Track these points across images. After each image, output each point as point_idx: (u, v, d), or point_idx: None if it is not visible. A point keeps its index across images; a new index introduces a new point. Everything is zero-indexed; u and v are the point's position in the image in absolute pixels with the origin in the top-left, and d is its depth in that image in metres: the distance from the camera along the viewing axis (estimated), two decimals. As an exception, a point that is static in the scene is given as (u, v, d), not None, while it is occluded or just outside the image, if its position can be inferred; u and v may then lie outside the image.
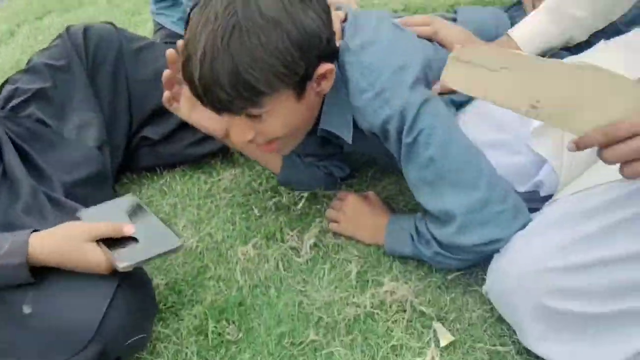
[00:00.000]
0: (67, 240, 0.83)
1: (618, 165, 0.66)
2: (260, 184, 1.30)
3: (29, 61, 1.22)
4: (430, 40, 1.02)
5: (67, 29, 1.22)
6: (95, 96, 1.20)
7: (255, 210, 1.22)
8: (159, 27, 1.60)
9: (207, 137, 1.27)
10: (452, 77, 0.77)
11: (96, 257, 0.83)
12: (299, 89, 0.86)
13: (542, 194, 0.90)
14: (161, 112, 1.21)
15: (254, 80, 0.79)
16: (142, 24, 2.24)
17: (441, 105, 0.89)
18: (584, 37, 1.01)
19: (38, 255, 0.82)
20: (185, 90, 1.01)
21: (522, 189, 0.90)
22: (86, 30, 1.20)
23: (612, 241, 0.72)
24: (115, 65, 1.21)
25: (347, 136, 0.95)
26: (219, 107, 0.84)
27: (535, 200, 0.89)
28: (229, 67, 0.78)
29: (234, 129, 0.90)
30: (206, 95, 0.82)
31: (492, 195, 0.85)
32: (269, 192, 1.27)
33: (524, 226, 0.84)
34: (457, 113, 1.01)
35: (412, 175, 0.90)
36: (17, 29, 2.45)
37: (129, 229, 0.88)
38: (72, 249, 0.83)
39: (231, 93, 0.80)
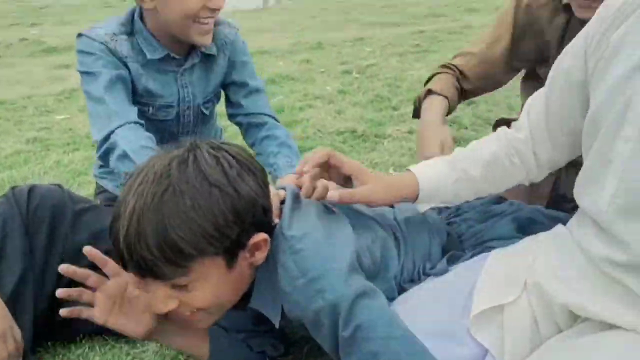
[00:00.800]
0: None
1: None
2: (188, 356, 1.23)
3: None
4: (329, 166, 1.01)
5: (13, 188, 1.24)
6: (30, 253, 1.18)
7: (179, 387, 1.15)
8: (101, 190, 1.61)
9: None
10: None
11: None
12: (230, 256, 0.84)
13: None
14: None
15: (181, 241, 0.77)
16: (86, 185, 2.26)
17: (379, 296, 0.87)
18: (470, 197, 1.09)
19: None
20: (101, 293, 0.98)
21: None
22: (30, 189, 1.22)
23: None
24: (53, 225, 1.21)
25: (275, 320, 0.93)
26: (143, 268, 0.81)
27: None
28: (156, 225, 0.77)
29: (156, 298, 0.86)
30: (131, 255, 0.79)
31: None
32: (196, 366, 1.20)
33: None
34: (397, 299, 1.00)
35: None
36: (-46, 181, 2.41)
37: None
38: None
39: (156, 254, 0.78)
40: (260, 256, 0.89)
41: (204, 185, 0.79)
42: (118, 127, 1.32)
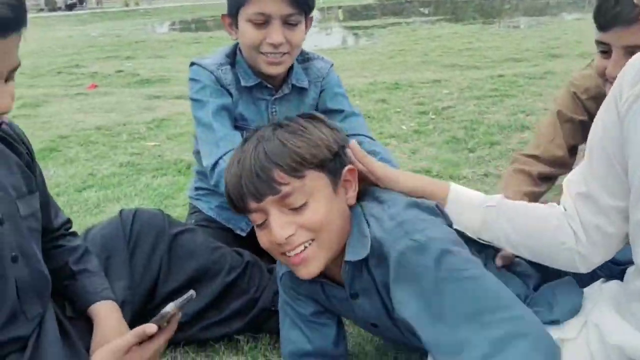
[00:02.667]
0: None
1: None
2: (261, 374, 1.29)
3: (87, 231, 1.41)
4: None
5: (121, 211, 1.41)
6: (130, 274, 1.33)
7: (254, 404, 1.20)
8: (195, 211, 1.73)
9: (232, 316, 1.38)
10: None
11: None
12: (333, 177, 0.99)
13: None
14: (186, 290, 1.29)
15: (297, 149, 0.95)
16: (172, 208, 2.42)
17: (476, 264, 0.93)
18: (499, 237, 1.04)
19: None
20: None
21: None
22: (135, 213, 1.39)
23: None
24: (153, 246, 1.36)
25: (365, 252, 0.97)
26: (263, 189, 0.94)
27: None
28: (276, 144, 0.95)
29: (275, 225, 0.95)
30: (254, 178, 0.94)
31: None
32: (270, 386, 1.26)
33: None
34: None
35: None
36: (56, 198, 2.63)
37: (151, 329, 0.98)
38: None
39: (280, 163, 0.94)
40: (351, 194, 1.03)
41: (306, 122, 1.01)
42: (225, 154, 1.44)
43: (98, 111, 4.59)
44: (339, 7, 19.05)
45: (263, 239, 1.01)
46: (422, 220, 0.95)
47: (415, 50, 7.47)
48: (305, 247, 0.98)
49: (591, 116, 1.42)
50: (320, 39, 10.57)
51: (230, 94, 1.53)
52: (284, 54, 1.47)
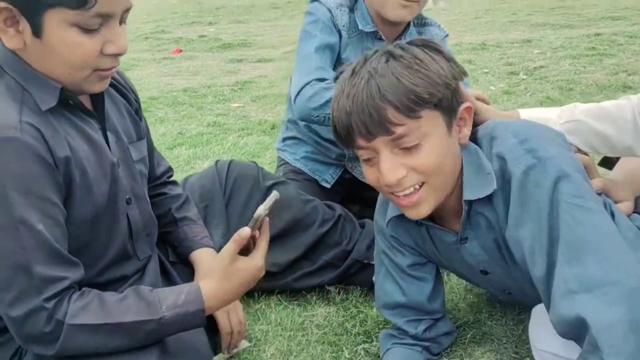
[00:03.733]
0: (227, 275, 0.97)
1: None
2: (354, 325, 1.30)
3: (185, 180, 1.46)
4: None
5: (217, 162, 1.46)
6: (227, 222, 1.37)
7: (346, 352, 1.22)
8: (282, 163, 1.75)
9: (324, 267, 1.39)
10: None
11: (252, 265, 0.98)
12: (448, 117, 0.93)
13: None
14: (279, 240, 1.31)
15: (414, 86, 0.88)
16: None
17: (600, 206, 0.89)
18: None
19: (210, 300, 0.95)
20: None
21: None
22: (230, 164, 1.43)
23: None
24: (248, 196, 1.39)
25: (490, 188, 0.94)
26: (375, 129, 0.89)
27: None
28: (390, 79, 0.88)
29: (385, 167, 0.91)
30: (362, 119, 0.88)
31: None
32: (361, 336, 1.27)
33: None
34: None
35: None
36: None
37: (245, 232, 0.98)
38: (235, 279, 0.97)
39: (394, 102, 0.87)
40: (465, 132, 0.97)
41: (422, 52, 0.92)
42: (319, 80, 1.43)
43: (184, 74, 4.72)
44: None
45: (370, 176, 0.97)
46: (547, 139, 0.92)
47: (502, 10, 7.10)
48: (415, 190, 0.94)
49: None
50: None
51: (341, 36, 1.54)
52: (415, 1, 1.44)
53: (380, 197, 1.15)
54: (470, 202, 0.97)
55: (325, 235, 1.40)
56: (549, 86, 3.30)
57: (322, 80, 1.43)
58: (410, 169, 0.92)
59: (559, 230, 0.85)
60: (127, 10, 0.92)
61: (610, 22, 5.53)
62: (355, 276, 1.43)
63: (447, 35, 1.65)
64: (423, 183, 0.94)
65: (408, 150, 0.91)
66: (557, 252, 0.85)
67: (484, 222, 0.99)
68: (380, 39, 1.55)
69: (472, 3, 8.30)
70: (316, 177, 1.68)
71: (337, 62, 1.55)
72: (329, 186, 1.67)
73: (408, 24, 1.57)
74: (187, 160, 2.61)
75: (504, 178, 0.93)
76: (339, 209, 1.47)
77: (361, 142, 0.92)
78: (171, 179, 1.34)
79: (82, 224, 0.97)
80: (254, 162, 1.47)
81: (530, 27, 5.66)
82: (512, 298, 1.17)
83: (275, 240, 1.37)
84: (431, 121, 0.91)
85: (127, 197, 1.06)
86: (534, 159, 0.89)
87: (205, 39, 6.81)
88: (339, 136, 0.95)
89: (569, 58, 3.99)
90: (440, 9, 8.25)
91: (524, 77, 3.60)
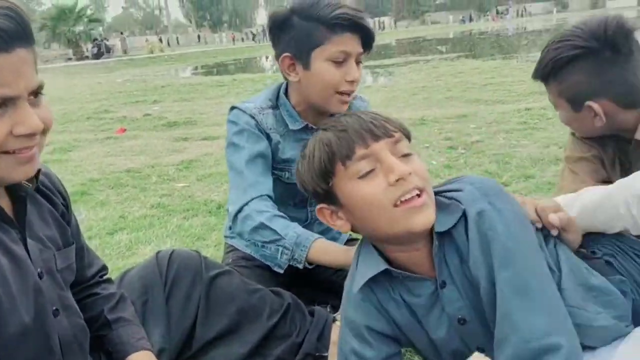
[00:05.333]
0: None
1: None
2: None
3: (124, 274, 1.40)
4: None
5: (157, 253, 1.40)
6: (167, 318, 1.29)
7: None
8: (231, 249, 1.70)
9: None
10: None
11: None
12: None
13: None
14: (227, 337, 1.26)
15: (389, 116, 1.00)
16: (204, 249, 2.39)
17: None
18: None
19: None
20: None
21: None
22: (172, 254, 1.37)
23: None
24: (190, 288, 1.33)
25: (457, 215, 0.97)
26: (379, 132, 0.96)
27: None
28: (367, 114, 1.00)
29: (396, 161, 0.94)
30: (365, 127, 0.96)
31: None
32: None
33: None
34: None
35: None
36: (88, 241, 2.63)
37: None
38: None
39: (387, 116, 0.99)
40: None
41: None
42: (251, 200, 1.42)
43: (127, 154, 4.65)
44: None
45: (369, 187, 0.95)
46: (499, 190, 0.98)
47: (437, 87, 7.48)
48: (419, 195, 0.94)
49: (600, 151, 1.39)
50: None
51: (270, 138, 1.52)
52: (352, 92, 1.47)
53: (345, 294, 1.11)
54: (440, 236, 0.98)
55: (274, 327, 1.35)
56: (487, 160, 3.44)
57: (258, 197, 1.43)
58: (412, 170, 0.95)
59: (509, 276, 0.90)
60: (35, 90, 0.87)
61: (538, 96, 5.89)
62: (307, 369, 1.36)
63: (368, 104, 1.72)
64: (422, 190, 0.95)
65: (404, 157, 0.96)
66: (508, 297, 0.90)
67: (456, 259, 0.99)
68: (312, 128, 1.54)
69: (410, 80, 8.73)
70: (268, 263, 1.62)
71: (275, 162, 1.55)
72: (282, 271, 1.61)
73: None
74: (129, 245, 2.52)
75: (462, 218, 0.97)
76: (287, 296, 1.43)
77: (362, 150, 0.95)
78: (105, 277, 1.27)
79: (9, 342, 0.89)
80: (197, 252, 1.42)
81: (465, 102, 5.96)
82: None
83: (222, 337, 1.32)
84: (408, 144, 1.00)
85: (55, 308, 0.99)
86: (489, 205, 0.94)
87: (149, 117, 6.80)
88: (328, 160, 0.97)
89: (503, 132, 4.20)
90: (380, 86, 8.62)
91: (463, 151, 3.75)
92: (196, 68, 17.32)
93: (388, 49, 19.26)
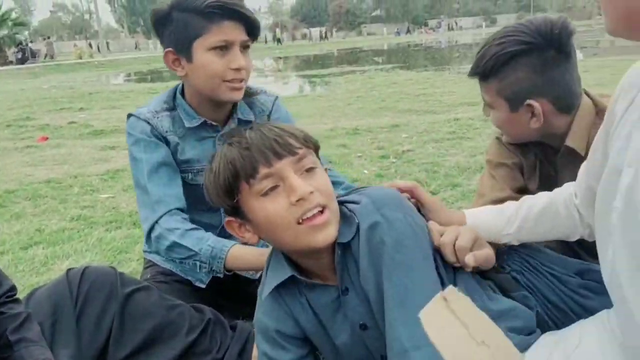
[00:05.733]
0: None
1: None
2: None
3: (32, 293, 1.29)
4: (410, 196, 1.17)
5: (68, 270, 1.31)
6: (77, 339, 1.22)
7: None
8: (149, 265, 1.62)
9: None
10: (429, 317, 0.74)
11: None
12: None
13: None
14: (143, 353, 1.19)
15: (294, 128, 1.00)
16: (127, 262, 2.29)
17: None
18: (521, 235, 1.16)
19: None
20: None
21: None
22: (84, 272, 1.29)
23: None
24: (103, 307, 1.25)
25: (354, 227, 0.99)
26: (281, 151, 0.95)
27: None
28: (275, 129, 0.99)
29: (298, 181, 0.94)
30: (267, 146, 0.95)
31: None
32: None
33: None
34: None
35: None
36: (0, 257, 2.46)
37: None
38: None
39: (289, 131, 0.98)
40: None
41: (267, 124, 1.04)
42: (160, 218, 1.39)
43: (48, 164, 4.42)
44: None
45: (272, 205, 0.95)
46: (396, 201, 0.99)
47: (372, 97, 7.59)
48: (321, 212, 0.95)
49: (521, 158, 1.43)
50: (277, 87, 10.66)
51: (168, 142, 1.48)
52: (242, 79, 1.44)
53: (257, 301, 1.10)
54: (342, 246, 0.99)
55: (193, 343, 1.29)
56: (416, 169, 3.49)
57: (167, 213, 1.39)
58: (314, 188, 0.95)
59: (393, 287, 0.92)
60: None
61: (467, 107, 6.09)
62: (227, 386, 1.31)
63: (277, 98, 1.66)
64: (324, 207, 0.96)
65: (308, 172, 0.96)
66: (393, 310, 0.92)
67: (354, 268, 1.00)
68: (211, 125, 1.51)
69: (346, 90, 8.81)
70: (189, 278, 1.54)
71: (181, 165, 1.50)
72: (204, 286, 1.54)
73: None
74: (44, 261, 2.36)
75: (356, 229, 0.99)
76: (207, 312, 1.37)
77: (265, 170, 0.94)
78: (15, 297, 1.19)
79: None
80: (112, 268, 1.34)
81: (398, 112, 6.07)
82: None
83: (137, 354, 1.25)
84: (315, 159, 1.00)
85: None
86: (381, 217, 0.95)
87: (74, 125, 6.50)
88: (232, 178, 0.96)
89: (432, 142, 4.29)
90: (317, 95, 8.66)
91: (394, 160, 3.79)
92: (129, 75, 16.79)
93: (325, 59, 19.44)
